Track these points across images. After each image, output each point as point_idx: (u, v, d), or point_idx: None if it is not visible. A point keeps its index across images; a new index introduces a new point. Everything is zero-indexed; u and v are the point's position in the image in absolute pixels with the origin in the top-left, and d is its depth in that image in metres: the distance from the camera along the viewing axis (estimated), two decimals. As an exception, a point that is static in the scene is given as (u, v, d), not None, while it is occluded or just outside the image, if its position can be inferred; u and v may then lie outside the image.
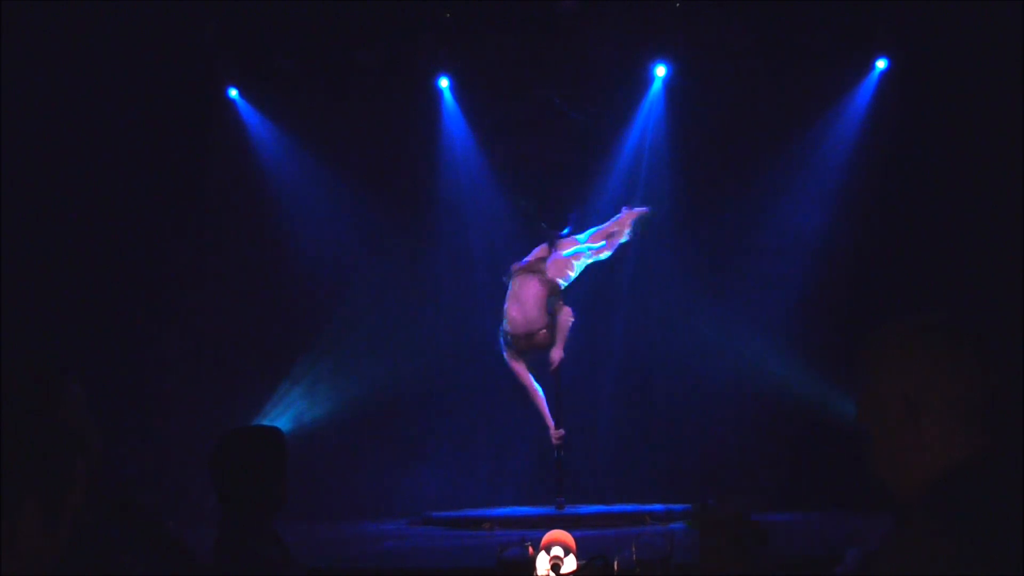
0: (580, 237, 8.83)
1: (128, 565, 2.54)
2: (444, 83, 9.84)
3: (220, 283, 9.87)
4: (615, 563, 2.81)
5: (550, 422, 8.51)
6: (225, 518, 3.24)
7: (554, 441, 8.57)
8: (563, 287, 8.58)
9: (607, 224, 8.82)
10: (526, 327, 8.37)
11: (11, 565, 1.37)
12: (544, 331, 8.38)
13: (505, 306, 8.47)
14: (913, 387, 1.73)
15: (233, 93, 9.87)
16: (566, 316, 8.43)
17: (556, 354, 8.38)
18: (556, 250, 8.72)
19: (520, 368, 8.44)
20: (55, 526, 1.41)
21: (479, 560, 6.19)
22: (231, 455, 3.27)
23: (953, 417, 1.71)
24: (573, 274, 8.68)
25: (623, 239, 8.81)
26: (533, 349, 8.45)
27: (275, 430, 3.47)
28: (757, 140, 9.66)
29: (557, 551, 2.94)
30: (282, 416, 9.42)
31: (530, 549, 2.99)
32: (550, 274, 8.50)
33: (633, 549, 2.75)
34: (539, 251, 8.75)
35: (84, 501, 1.45)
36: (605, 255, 8.79)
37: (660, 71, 9.68)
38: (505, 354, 8.45)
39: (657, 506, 8.47)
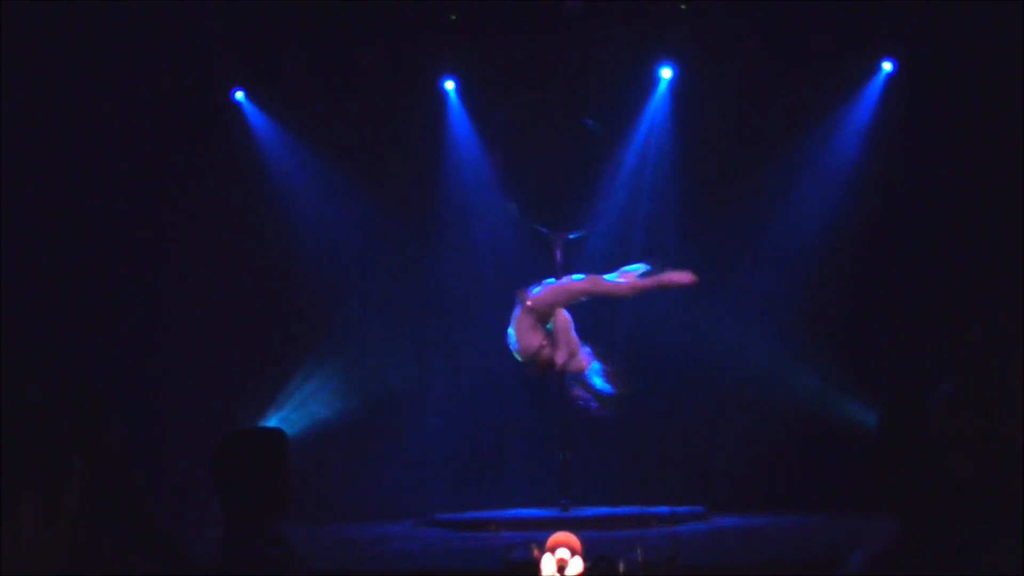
0: (576, 276, 8.43)
1: (128, 565, 2.53)
2: (450, 85, 9.83)
3: (225, 284, 9.87)
4: (620, 565, 2.81)
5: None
6: (229, 520, 3.23)
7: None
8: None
9: (617, 277, 8.36)
10: (523, 355, 8.24)
11: (11, 565, 1.36)
12: (546, 349, 8.19)
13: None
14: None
15: (239, 95, 9.87)
16: (562, 320, 8.23)
17: (559, 357, 8.17)
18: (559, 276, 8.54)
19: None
20: (55, 526, 1.40)
21: (485, 562, 6.20)
22: (233, 457, 3.27)
23: None
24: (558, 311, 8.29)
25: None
26: (547, 366, 8.28)
27: (277, 431, 3.46)
28: (763, 142, 9.64)
29: (563, 553, 2.94)
30: (287, 418, 9.41)
31: (536, 551, 2.98)
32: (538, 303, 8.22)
33: (639, 551, 2.74)
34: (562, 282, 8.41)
35: (84, 501, 1.45)
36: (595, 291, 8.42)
37: (666, 73, 9.66)
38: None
39: (662, 508, 8.45)
